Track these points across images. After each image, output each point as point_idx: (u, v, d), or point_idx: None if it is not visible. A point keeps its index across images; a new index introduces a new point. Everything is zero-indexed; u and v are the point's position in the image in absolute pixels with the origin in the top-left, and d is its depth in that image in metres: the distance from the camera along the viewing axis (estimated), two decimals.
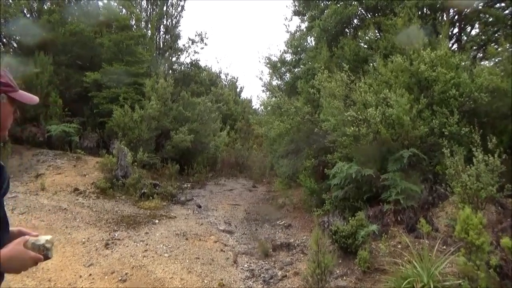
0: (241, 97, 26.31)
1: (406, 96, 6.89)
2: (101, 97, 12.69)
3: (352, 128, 6.78)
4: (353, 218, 5.99)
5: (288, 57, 11.50)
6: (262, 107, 8.99)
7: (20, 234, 1.87)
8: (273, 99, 8.22)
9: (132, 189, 9.70)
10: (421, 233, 5.69)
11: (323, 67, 7.60)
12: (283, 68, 12.41)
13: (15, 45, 12.97)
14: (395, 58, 7.33)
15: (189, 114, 13.18)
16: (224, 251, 6.44)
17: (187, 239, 6.85)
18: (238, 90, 26.93)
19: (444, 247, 5.05)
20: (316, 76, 8.06)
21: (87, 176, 10.48)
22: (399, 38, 7.95)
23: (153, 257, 5.97)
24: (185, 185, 12.27)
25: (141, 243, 6.53)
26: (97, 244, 6.44)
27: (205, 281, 5.33)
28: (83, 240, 6.57)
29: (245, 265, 5.99)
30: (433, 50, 7.05)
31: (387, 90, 6.72)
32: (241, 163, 15.26)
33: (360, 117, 6.77)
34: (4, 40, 12.77)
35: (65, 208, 8.26)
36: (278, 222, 8.30)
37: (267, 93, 12.53)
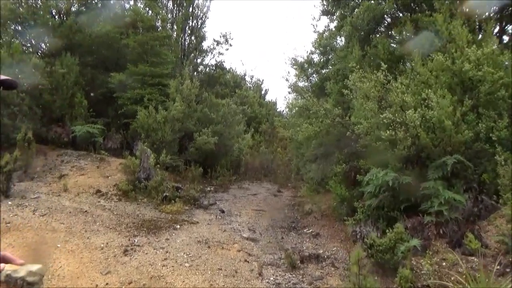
0: (265, 100, 25.86)
1: (448, 97, 6.26)
2: (125, 98, 12.50)
3: (388, 132, 6.19)
4: (390, 230, 5.41)
5: (316, 57, 11.00)
6: (288, 109, 8.48)
7: (3, 260, 1.42)
8: (301, 100, 7.72)
9: (154, 192, 9.37)
10: (468, 249, 5.06)
11: (357, 66, 7.04)
12: (310, 69, 11.89)
13: (43, 46, 12.95)
14: (436, 57, 6.69)
15: (213, 116, 12.82)
16: (248, 262, 5.96)
17: (209, 247, 6.41)
18: (262, 92, 26.50)
19: (498, 267, 4.41)
20: (349, 76, 7.51)
21: (109, 177, 10.25)
22: (439, 36, 7.31)
23: (173, 266, 5.56)
24: (208, 188, 11.90)
25: (161, 250, 6.14)
26: (115, 250, 6.09)
27: None
28: (102, 245, 6.24)
29: (271, 278, 5.50)
30: (479, 47, 6.38)
31: (429, 90, 6.09)
32: (265, 166, 14.79)
33: (397, 120, 6.18)
34: (33, 41, 12.77)
35: (86, 211, 8.00)
36: (305, 230, 7.77)
37: (294, 94, 12.05)
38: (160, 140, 11.70)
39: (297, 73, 12.22)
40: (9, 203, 7.83)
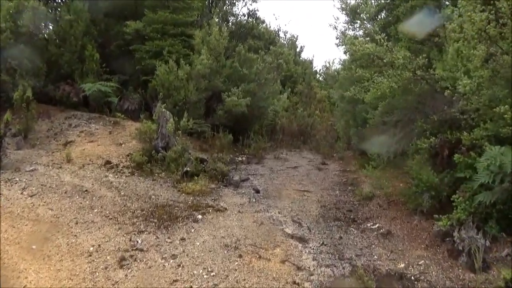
0: (301, 58, 23.01)
1: None
2: (143, 51, 10.31)
3: None
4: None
5: None
6: (347, 56, 5.93)
7: None
8: (369, 45, 5.26)
9: (173, 164, 7.37)
10: None
11: None
12: (364, 14, 9.19)
13: None
14: None
15: (245, 72, 10.48)
16: (298, 285, 3.87)
17: (240, 255, 4.36)
18: (298, 49, 23.57)
19: None
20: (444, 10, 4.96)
21: (123, 145, 8.32)
22: None
23: None
24: (239, 159, 9.79)
25: (172, 260, 4.14)
26: (108, 257, 4.15)
27: None
28: (91, 248, 4.31)
29: None
30: None
31: None
32: (304, 132, 12.47)
33: None
34: None
35: (86, 190, 6.12)
36: (369, 224, 5.57)
37: (343, 45, 9.49)
38: (183, 100, 9.57)
39: (348, 19, 9.58)
40: None
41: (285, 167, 8.96)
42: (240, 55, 10.95)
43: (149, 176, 7.19)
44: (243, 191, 7.03)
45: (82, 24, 9.85)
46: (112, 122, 9.25)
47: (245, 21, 13.32)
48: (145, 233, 4.79)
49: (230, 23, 12.98)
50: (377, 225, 5.50)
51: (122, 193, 6.17)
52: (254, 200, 6.56)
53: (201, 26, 10.86)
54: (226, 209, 5.90)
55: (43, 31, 9.66)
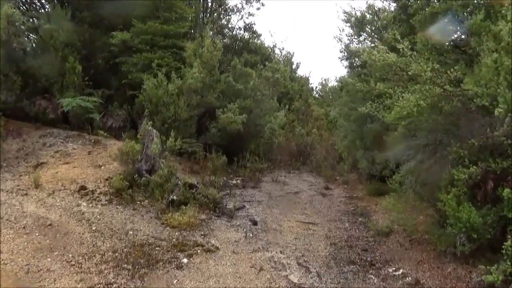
0: (297, 74, 22.23)
1: None
2: (130, 64, 9.36)
3: None
4: None
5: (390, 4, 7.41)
6: (358, 69, 4.92)
7: None
8: (391, 54, 4.33)
9: (158, 191, 6.30)
10: None
11: None
12: (372, 25, 8.37)
13: None
14: None
15: (241, 87, 9.54)
16: None
17: None
18: (294, 66, 22.84)
19: None
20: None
21: (102, 167, 7.24)
22: None
23: None
24: (234, 181, 8.76)
25: None
26: None
27: None
28: None
29: None
30: None
31: None
32: (304, 152, 11.47)
33: None
34: None
35: (50, 224, 5.03)
36: (391, 270, 4.52)
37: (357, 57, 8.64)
38: (173, 117, 8.56)
39: (354, 30, 8.74)
40: None
41: (285, 192, 7.92)
42: (235, 69, 10.03)
43: (130, 205, 6.11)
44: (238, 223, 5.96)
45: (63, 34, 8.88)
46: (93, 141, 8.19)
47: (241, 35, 12.46)
48: (114, 286, 3.70)
49: (225, 36, 12.11)
50: (400, 270, 4.46)
51: (94, 228, 5.08)
52: (251, 234, 5.49)
53: (194, 38, 9.97)
54: (218, 248, 4.83)
55: (20, 41, 8.63)
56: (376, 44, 7.76)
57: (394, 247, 5.06)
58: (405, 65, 4.46)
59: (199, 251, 4.68)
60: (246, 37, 12.46)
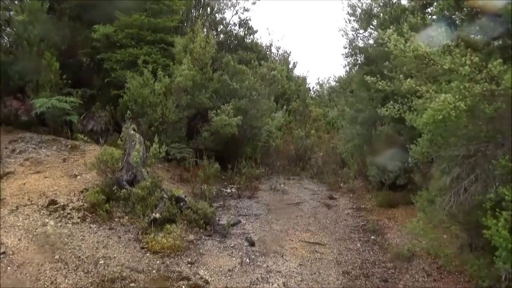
0: (294, 74, 21.33)
1: None
2: (114, 60, 8.40)
3: None
4: None
5: None
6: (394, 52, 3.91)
7: None
8: (420, 44, 3.43)
9: (140, 206, 5.36)
10: None
11: None
12: (380, 18, 7.48)
13: None
14: None
15: (236, 86, 8.61)
16: None
17: None
18: (290, 66, 21.94)
19: None
20: None
21: (78, 177, 6.29)
22: None
23: None
24: (229, 190, 7.85)
25: None
26: None
27: None
28: None
29: None
30: None
31: None
32: (304, 156, 10.55)
33: None
34: None
35: (3, 252, 4.07)
36: None
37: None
38: (160, 120, 7.63)
39: (357, 26, 7.87)
40: None
41: (285, 204, 7.01)
42: (229, 67, 9.09)
43: (106, 223, 5.17)
44: (232, 243, 5.04)
45: (39, 27, 7.91)
46: (70, 146, 7.24)
47: (236, 31, 11.53)
48: None
49: (219, 32, 11.16)
50: None
51: (57, 257, 4.14)
52: (248, 260, 4.57)
53: (184, 33, 9.02)
54: (207, 282, 3.90)
55: None
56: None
57: (420, 277, 4.16)
58: (439, 57, 3.56)
59: (184, 287, 3.75)
60: (241, 33, 11.51)
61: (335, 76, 23.02)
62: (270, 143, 10.80)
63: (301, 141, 10.95)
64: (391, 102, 3.93)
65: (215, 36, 10.41)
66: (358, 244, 5.16)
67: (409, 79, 3.48)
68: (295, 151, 10.62)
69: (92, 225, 5.07)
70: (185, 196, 5.83)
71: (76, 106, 7.81)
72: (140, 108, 7.68)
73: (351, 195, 7.63)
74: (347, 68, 9.27)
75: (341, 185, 8.36)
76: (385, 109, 3.96)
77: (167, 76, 7.82)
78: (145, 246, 4.62)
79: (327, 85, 21.82)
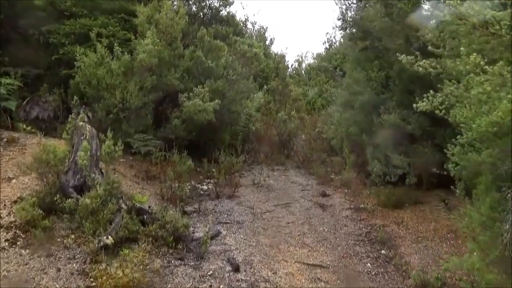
0: (271, 51, 19.86)
1: None
2: (62, 34, 6.79)
3: None
4: None
5: None
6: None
7: None
8: (470, 5, 2.24)
9: (89, 222, 4.04)
10: None
11: None
12: None
13: None
14: None
15: (212, 65, 7.22)
16: None
17: None
18: (267, 42, 20.43)
19: None
20: None
21: (14, 181, 4.88)
22: None
23: None
24: (205, 187, 6.61)
25: None
26: None
27: None
28: None
29: None
30: None
31: None
32: (288, 143, 9.35)
33: None
34: None
35: None
36: None
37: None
38: (120, 105, 6.19)
39: None
40: None
41: (272, 205, 5.84)
42: (204, 42, 7.65)
43: (44, 247, 3.84)
44: (211, 270, 3.85)
45: None
46: (6, 139, 5.72)
47: (209, 1, 9.94)
48: None
49: (190, 2, 9.56)
50: None
51: None
52: None
53: (149, 1, 7.45)
54: None
55: None
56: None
57: None
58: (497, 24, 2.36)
59: None
60: (215, 3, 9.95)
61: (313, 54, 21.68)
62: (250, 127, 9.54)
63: (284, 126, 9.74)
64: (431, 92, 2.72)
65: (186, 7, 8.83)
66: (368, 264, 4.07)
67: (474, 54, 2.27)
68: (278, 136, 9.41)
69: (23, 251, 3.75)
70: (149, 207, 4.54)
71: (15, 89, 6.23)
72: (95, 91, 6.22)
73: (346, 190, 6.55)
74: (337, 43, 7.98)
75: (333, 176, 7.26)
76: (423, 102, 2.75)
77: (127, 53, 6.33)
78: (93, 284, 3.35)
79: (305, 62, 20.51)
